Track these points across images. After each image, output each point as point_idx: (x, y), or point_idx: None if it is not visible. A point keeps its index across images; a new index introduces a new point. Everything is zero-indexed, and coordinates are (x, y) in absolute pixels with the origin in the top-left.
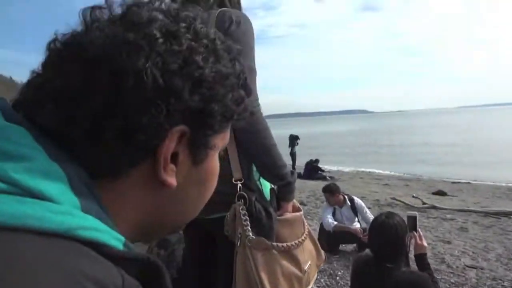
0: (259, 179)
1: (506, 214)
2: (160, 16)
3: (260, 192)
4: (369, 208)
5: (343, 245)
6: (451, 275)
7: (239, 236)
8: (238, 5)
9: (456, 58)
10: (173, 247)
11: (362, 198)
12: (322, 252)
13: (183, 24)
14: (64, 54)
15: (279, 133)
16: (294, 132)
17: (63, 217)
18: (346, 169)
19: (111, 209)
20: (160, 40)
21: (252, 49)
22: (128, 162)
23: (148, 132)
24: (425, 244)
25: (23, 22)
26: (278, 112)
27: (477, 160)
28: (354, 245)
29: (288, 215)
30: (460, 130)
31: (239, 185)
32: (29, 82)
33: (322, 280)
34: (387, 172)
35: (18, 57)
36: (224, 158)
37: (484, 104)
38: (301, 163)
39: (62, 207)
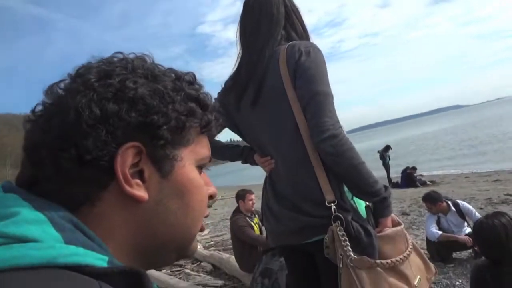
0: (352, 198)
1: None
2: (95, 65)
3: (355, 211)
4: (480, 208)
5: (457, 252)
6: None
7: (341, 257)
8: (305, 35)
9: None
10: (276, 275)
11: (471, 199)
12: (432, 264)
13: (118, 64)
14: (32, 119)
15: (367, 145)
16: (384, 141)
17: (44, 251)
18: (448, 171)
19: (100, 235)
20: (94, 80)
21: (324, 75)
22: (96, 186)
23: (96, 152)
24: None
25: None
26: (363, 124)
27: None
28: (470, 251)
29: (389, 230)
30: None
31: (333, 206)
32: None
33: None
34: (495, 167)
35: None
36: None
37: None
38: (397, 172)
39: (44, 243)
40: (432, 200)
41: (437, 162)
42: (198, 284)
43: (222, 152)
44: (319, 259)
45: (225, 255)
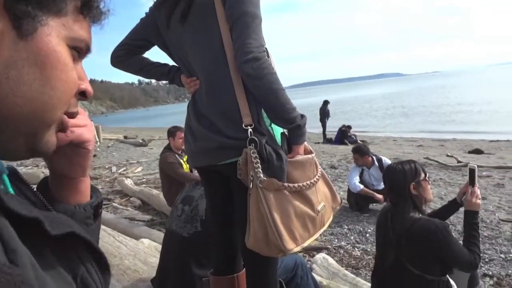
0: (270, 125)
1: None
2: None
3: (270, 136)
4: None
5: (373, 204)
6: (485, 229)
7: (251, 178)
8: None
9: (495, 16)
10: (197, 202)
11: (395, 159)
12: (338, 195)
13: None
14: None
15: (311, 101)
16: (327, 98)
17: None
18: (379, 134)
19: None
20: None
21: None
22: None
23: None
24: (476, 201)
25: None
26: (310, 80)
27: None
28: (385, 203)
29: (299, 157)
30: (494, 88)
31: (250, 130)
32: None
33: (352, 238)
34: (421, 134)
35: None
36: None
37: None
38: (334, 129)
39: None
40: (361, 152)
41: (370, 124)
42: (125, 218)
43: (148, 69)
44: (233, 181)
45: (155, 191)
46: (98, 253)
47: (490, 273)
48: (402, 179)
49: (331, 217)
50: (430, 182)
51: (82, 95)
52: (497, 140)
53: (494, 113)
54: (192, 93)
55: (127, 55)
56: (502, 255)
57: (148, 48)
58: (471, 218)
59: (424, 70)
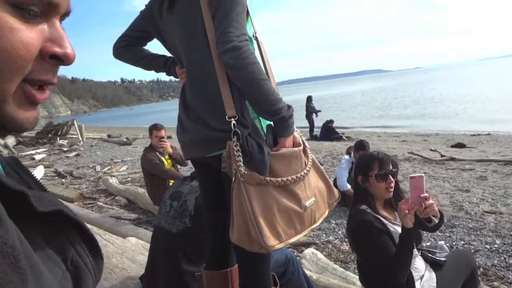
0: (258, 117)
1: None
2: None
3: (255, 128)
4: None
5: None
6: (469, 221)
7: (234, 171)
8: None
9: (472, 10)
10: (185, 198)
11: None
12: (336, 190)
13: None
14: None
15: (296, 98)
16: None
17: None
18: (363, 129)
19: None
20: None
21: None
22: None
23: None
24: (401, 216)
25: None
26: (293, 77)
27: (496, 111)
28: None
29: (284, 150)
30: (476, 82)
31: (233, 122)
32: None
33: (339, 232)
34: (405, 129)
35: None
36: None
37: (502, 55)
38: (317, 125)
39: None
40: (364, 147)
41: (353, 120)
42: (111, 217)
43: (146, 61)
44: (223, 174)
45: (140, 190)
46: (89, 236)
47: (477, 264)
48: (355, 169)
49: (326, 213)
50: (387, 181)
51: (56, 59)
52: (478, 134)
53: (474, 108)
54: (183, 84)
55: (127, 46)
56: (488, 246)
57: (148, 39)
58: (402, 233)
59: (405, 66)
